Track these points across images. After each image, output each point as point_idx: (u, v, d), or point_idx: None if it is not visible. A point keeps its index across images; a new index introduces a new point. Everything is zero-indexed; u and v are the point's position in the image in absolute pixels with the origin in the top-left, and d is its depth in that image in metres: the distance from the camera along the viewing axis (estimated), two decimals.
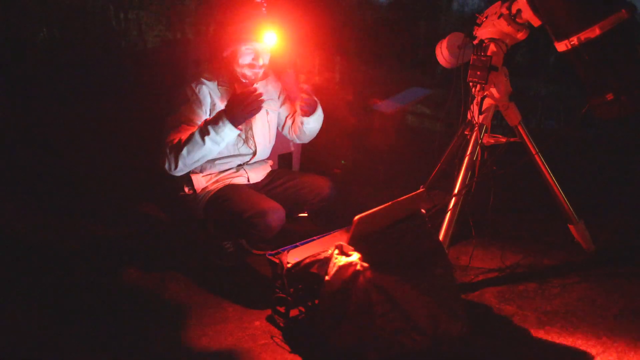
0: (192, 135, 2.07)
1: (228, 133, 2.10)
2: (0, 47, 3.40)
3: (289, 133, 2.57)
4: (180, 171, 2.14)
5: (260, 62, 2.23)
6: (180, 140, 2.08)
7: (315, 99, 2.37)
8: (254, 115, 2.16)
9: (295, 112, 2.52)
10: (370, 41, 4.24)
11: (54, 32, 3.87)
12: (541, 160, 2.36)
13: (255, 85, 2.32)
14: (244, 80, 2.27)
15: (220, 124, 2.06)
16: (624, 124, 4.05)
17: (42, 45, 3.86)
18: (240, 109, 2.07)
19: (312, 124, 2.46)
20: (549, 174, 2.38)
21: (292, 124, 2.53)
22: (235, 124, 2.09)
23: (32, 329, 1.94)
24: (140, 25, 4.08)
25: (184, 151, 2.06)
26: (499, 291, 2.19)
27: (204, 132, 2.06)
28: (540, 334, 1.92)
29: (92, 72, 3.72)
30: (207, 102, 2.21)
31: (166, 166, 2.12)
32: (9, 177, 3.32)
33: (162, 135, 2.15)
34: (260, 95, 2.10)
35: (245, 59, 2.21)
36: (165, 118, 2.18)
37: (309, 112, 2.39)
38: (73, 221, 2.86)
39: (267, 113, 2.41)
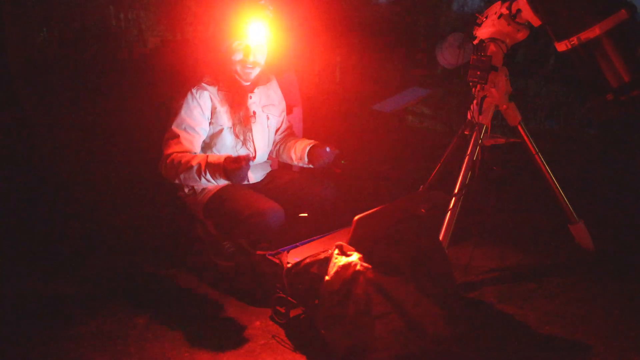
0: (190, 167, 2.08)
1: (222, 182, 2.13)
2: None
3: (273, 145, 2.54)
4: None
5: (251, 58, 2.23)
6: (180, 162, 2.10)
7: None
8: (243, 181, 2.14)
9: (288, 135, 2.53)
10: (371, 41, 4.24)
11: (54, 32, 3.87)
12: (541, 160, 2.36)
13: (255, 90, 2.33)
14: (244, 83, 2.28)
15: (217, 176, 2.07)
16: (624, 124, 4.05)
17: (42, 45, 3.86)
18: (234, 175, 2.05)
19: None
20: (549, 174, 2.38)
21: (282, 146, 2.50)
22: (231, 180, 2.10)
23: (36, 323, 1.95)
24: (140, 25, 4.08)
25: (181, 176, 2.12)
26: (499, 291, 2.19)
27: (201, 173, 2.08)
28: (540, 334, 1.92)
29: (91, 73, 3.72)
30: (207, 106, 2.22)
31: (164, 175, 2.18)
32: (8, 178, 3.32)
33: (163, 141, 2.19)
34: (247, 169, 2.04)
35: (237, 56, 2.22)
36: (167, 123, 2.20)
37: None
38: (71, 222, 2.86)
39: (268, 118, 2.42)
